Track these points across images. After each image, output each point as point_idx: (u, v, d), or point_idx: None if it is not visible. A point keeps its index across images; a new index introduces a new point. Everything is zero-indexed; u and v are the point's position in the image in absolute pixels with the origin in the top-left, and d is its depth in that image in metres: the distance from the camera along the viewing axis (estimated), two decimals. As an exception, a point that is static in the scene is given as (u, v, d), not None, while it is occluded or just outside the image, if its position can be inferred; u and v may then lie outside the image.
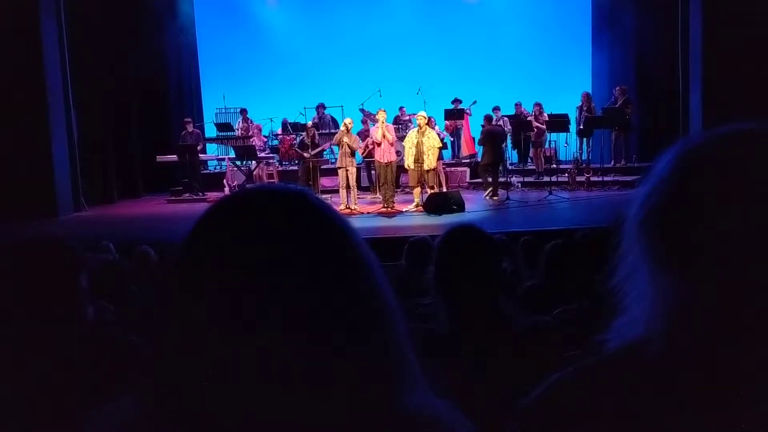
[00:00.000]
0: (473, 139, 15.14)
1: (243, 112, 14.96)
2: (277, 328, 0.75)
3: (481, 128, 13.02)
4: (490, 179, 12.00)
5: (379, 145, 10.92)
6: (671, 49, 13.30)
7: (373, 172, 12.60)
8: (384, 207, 11.04)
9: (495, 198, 11.81)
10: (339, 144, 11.10)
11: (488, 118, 12.56)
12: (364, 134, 12.56)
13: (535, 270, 3.89)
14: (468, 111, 14.82)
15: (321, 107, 15.14)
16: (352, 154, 11.12)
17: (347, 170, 11.00)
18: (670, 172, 0.83)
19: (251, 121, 14.78)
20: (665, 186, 0.83)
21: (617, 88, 13.60)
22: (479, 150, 14.84)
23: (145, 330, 2.00)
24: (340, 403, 0.75)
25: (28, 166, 11.08)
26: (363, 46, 16.66)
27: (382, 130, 10.84)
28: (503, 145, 12.26)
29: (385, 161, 10.92)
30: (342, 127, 11.25)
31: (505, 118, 14.09)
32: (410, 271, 4.41)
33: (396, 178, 11.59)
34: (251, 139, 13.98)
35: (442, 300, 2.09)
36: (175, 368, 0.77)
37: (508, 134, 13.57)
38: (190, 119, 14.45)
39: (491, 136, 12.00)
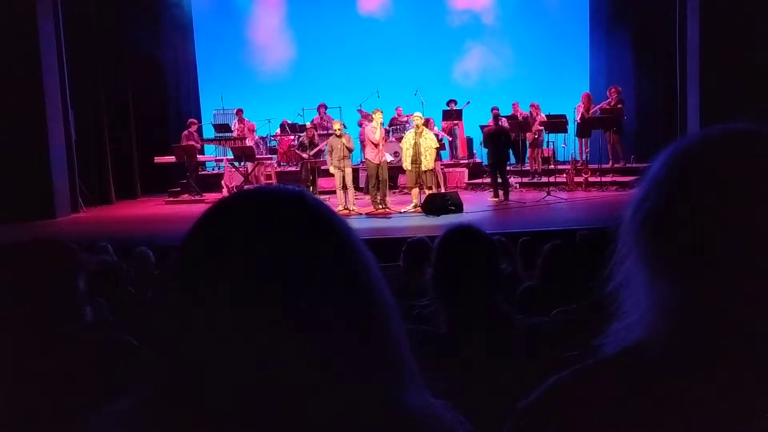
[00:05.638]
0: (467, 140, 15.19)
1: (239, 112, 14.93)
2: (276, 328, 0.75)
3: (480, 128, 13.04)
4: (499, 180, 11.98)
5: (376, 145, 10.93)
6: (669, 49, 13.32)
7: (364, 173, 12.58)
8: (374, 208, 11.04)
9: (494, 198, 11.83)
10: (332, 149, 11.04)
11: (495, 117, 12.59)
12: (362, 135, 12.55)
13: (533, 271, 3.89)
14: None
15: (322, 107, 15.13)
16: (348, 153, 11.09)
17: (343, 171, 11.00)
18: (665, 175, 0.83)
19: (247, 122, 14.79)
20: (661, 189, 0.83)
21: (611, 88, 13.60)
22: (478, 151, 14.92)
23: (144, 331, 2.00)
24: (339, 403, 0.75)
25: (25, 167, 11.07)
26: (361, 47, 16.67)
27: (376, 130, 10.87)
28: (506, 146, 12.16)
29: (375, 162, 10.93)
30: (336, 132, 11.17)
31: (503, 119, 14.09)
32: (408, 271, 4.41)
33: (392, 178, 11.58)
34: (246, 140, 13.98)
35: (441, 301, 2.09)
36: (174, 369, 0.77)
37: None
38: (195, 120, 14.47)
39: (489, 138, 12.00)
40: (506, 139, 12.02)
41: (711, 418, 0.78)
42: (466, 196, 11.88)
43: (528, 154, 14.24)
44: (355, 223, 9.10)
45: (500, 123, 12.39)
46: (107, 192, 13.88)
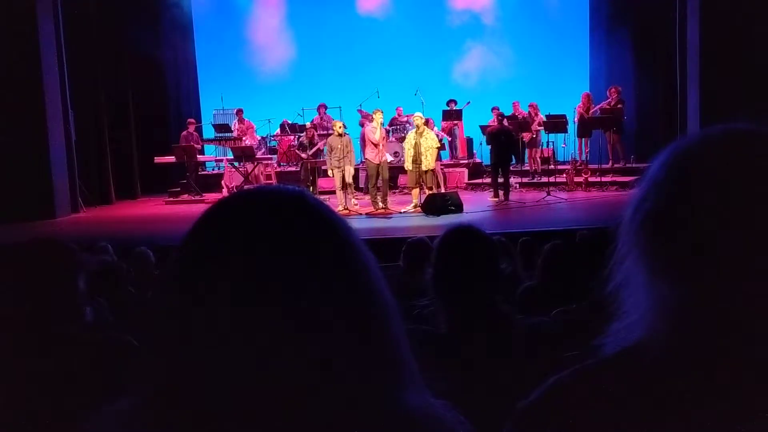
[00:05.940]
0: (467, 140, 15.19)
1: (239, 112, 14.95)
2: (276, 328, 0.75)
3: (480, 128, 13.01)
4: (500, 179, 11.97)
5: (376, 145, 10.93)
6: (669, 49, 13.32)
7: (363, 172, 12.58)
8: (374, 208, 11.04)
9: (494, 198, 11.83)
10: (332, 149, 11.05)
11: (499, 117, 12.57)
12: (362, 135, 12.55)
13: (533, 271, 3.89)
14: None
15: (322, 107, 15.13)
16: (348, 153, 11.09)
17: (343, 171, 11.00)
18: (665, 175, 0.83)
19: (247, 122, 14.80)
20: (660, 189, 0.83)
21: (611, 88, 13.60)
22: (478, 151, 14.92)
23: (144, 331, 2.00)
24: (339, 403, 0.75)
25: (25, 167, 11.07)
26: (361, 47, 16.66)
27: (376, 130, 10.86)
28: (507, 146, 12.12)
29: (375, 162, 10.95)
30: (335, 132, 11.18)
31: (505, 118, 14.09)
32: (408, 271, 4.40)
33: (392, 178, 11.57)
34: (244, 139, 13.98)
35: (441, 301, 2.09)
36: (174, 369, 0.77)
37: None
38: (193, 120, 14.47)
39: (491, 137, 12.00)
40: (506, 139, 12.01)
41: (711, 418, 0.78)
42: (466, 196, 11.87)
43: (527, 154, 14.25)
44: (355, 223, 9.10)
45: (503, 123, 12.40)
46: (107, 192, 13.88)
